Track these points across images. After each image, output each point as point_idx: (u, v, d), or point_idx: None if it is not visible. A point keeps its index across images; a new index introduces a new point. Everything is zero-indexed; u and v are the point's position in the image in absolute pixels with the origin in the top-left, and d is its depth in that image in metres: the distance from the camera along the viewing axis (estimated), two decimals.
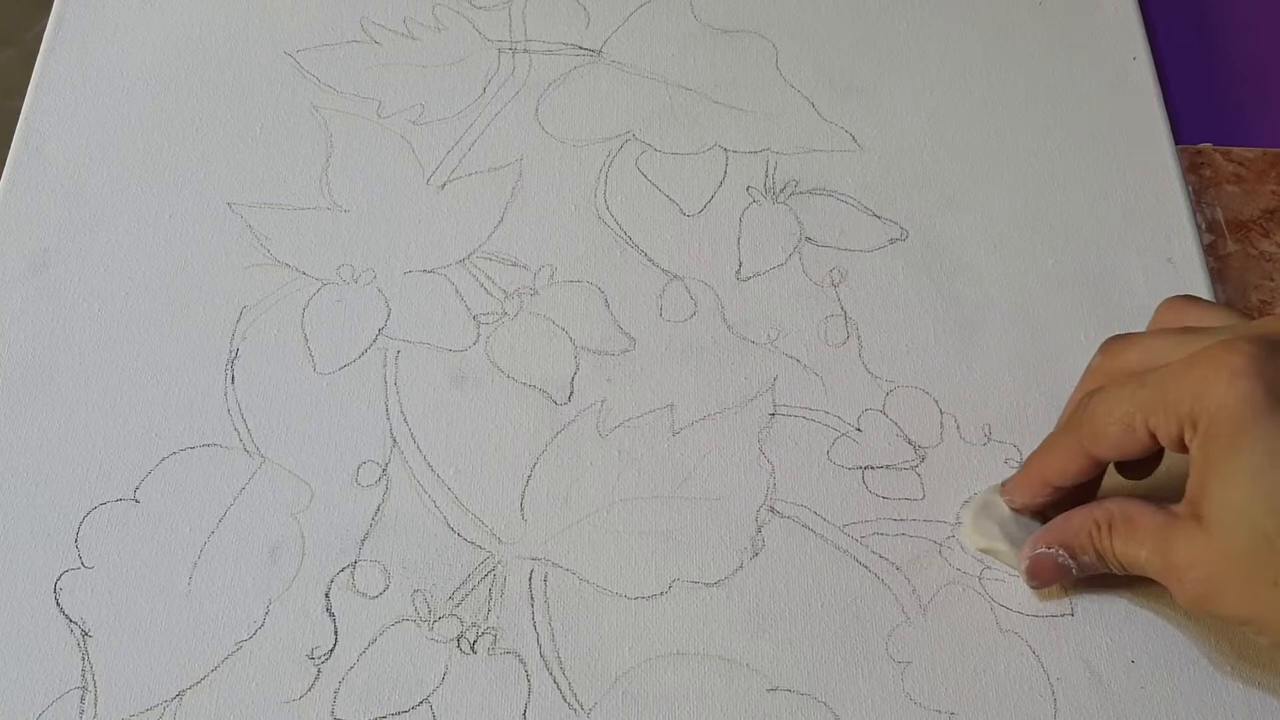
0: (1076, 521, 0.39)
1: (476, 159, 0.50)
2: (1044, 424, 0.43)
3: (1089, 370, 0.40)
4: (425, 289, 0.47)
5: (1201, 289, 0.47)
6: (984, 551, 0.41)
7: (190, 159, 0.50)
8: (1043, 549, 0.39)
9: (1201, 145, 0.54)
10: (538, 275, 0.47)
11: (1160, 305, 0.40)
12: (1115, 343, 0.39)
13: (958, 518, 0.42)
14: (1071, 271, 0.48)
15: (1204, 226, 0.51)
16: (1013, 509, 0.41)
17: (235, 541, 0.41)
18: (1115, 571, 0.38)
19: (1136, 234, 0.49)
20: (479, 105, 0.51)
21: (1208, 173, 0.53)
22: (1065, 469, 0.39)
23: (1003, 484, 0.42)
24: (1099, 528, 0.38)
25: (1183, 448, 0.36)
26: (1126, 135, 0.52)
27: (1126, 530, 0.37)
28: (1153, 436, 0.36)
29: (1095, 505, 0.39)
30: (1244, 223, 0.52)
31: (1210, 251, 0.50)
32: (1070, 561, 0.39)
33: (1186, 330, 0.38)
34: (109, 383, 0.44)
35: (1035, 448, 0.40)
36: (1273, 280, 0.50)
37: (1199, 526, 0.35)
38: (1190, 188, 0.51)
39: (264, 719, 0.38)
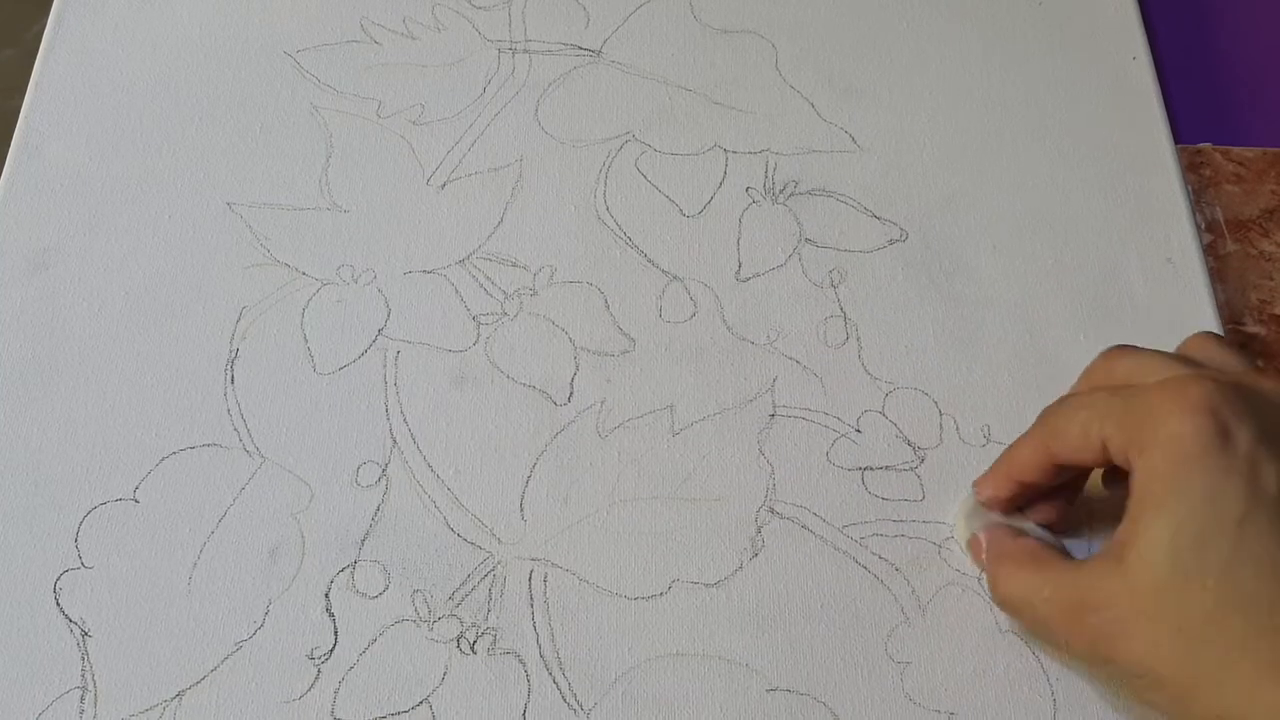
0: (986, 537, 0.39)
1: (476, 159, 0.50)
2: None
3: (1083, 373, 0.39)
4: (425, 289, 0.47)
5: (1201, 289, 0.47)
6: None
7: (190, 159, 0.50)
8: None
9: (1201, 145, 0.54)
10: (537, 276, 0.47)
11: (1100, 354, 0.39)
12: (1112, 352, 0.38)
13: (952, 520, 0.42)
14: (1071, 271, 0.48)
15: (1204, 226, 0.51)
16: (980, 501, 0.40)
17: (235, 541, 0.41)
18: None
19: (1136, 234, 0.49)
20: (479, 105, 0.51)
21: (1207, 172, 0.53)
22: (1026, 465, 0.38)
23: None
24: (992, 554, 0.39)
25: (1126, 466, 0.35)
26: (1126, 135, 0.52)
27: (1029, 563, 0.37)
28: (1107, 448, 0.35)
29: (1005, 528, 0.39)
30: (1244, 222, 0.52)
31: (1210, 251, 0.50)
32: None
33: (1183, 358, 0.37)
34: (109, 382, 0.44)
35: None
36: (1272, 280, 0.50)
37: (1118, 566, 0.34)
38: (1190, 187, 0.51)
39: (264, 719, 0.38)
